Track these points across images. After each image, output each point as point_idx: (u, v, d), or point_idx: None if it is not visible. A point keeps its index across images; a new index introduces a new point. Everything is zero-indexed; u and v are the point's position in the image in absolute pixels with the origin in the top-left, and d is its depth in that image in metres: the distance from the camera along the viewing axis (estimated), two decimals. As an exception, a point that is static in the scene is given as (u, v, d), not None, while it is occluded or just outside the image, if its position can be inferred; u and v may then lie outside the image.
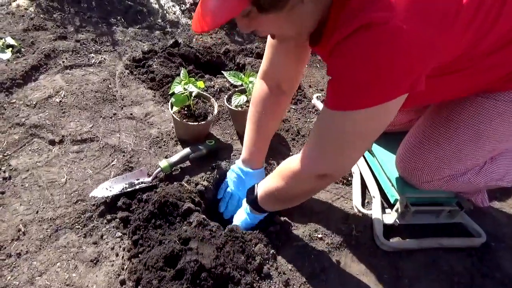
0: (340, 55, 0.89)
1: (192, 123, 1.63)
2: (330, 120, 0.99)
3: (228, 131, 1.84)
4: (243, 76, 1.70)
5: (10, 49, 2.03)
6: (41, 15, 2.38)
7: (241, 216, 1.39)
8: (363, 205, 1.57)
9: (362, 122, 0.95)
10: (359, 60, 0.85)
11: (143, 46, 2.35)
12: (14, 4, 2.43)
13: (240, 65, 2.31)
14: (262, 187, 1.27)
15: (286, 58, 1.31)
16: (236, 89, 1.83)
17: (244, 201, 1.39)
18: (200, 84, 1.63)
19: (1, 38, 2.06)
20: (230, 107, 1.73)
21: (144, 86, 2.03)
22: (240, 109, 1.73)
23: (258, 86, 1.41)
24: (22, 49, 2.06)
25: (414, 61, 0.85)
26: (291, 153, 1.74)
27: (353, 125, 0.95)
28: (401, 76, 0.86)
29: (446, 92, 1.16)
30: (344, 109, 0.93)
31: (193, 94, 1.64)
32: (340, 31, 0.86)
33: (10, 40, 2.05)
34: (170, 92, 1.65)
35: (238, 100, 1.70)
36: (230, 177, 1.50)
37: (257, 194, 1.28)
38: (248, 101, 1.75)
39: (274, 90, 1.37)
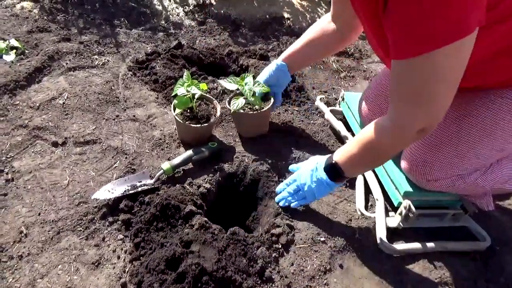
0: None
1: (195, 125, 1.63)
2: (410, 70, 0.99)
3: (230, 133, 1.83)
4: (238, 79, 1.68)
5: (14, 51, 2.04)
6: (45, 17, 2.39)
7: (321, 189, 1.37)
8: (366, 208, 1.56)
9: (445, 61, 0.93)
10: None
11: (146, 47, 2.36)
12: (18, 6, 2.45)
13: (244, 66, 2.30)
14: (345, 155, 1.29)
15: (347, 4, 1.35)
16: (238, 91, 1.82)
17: (319, 174, 1.36)
18: (203, 86, 1.63)
19: (5, 40, 2.07)
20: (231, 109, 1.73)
21: (147, 88, 2.03)
22: (241, 111, 1.72)
23: (324, 18, 1.63)
24: (26, 51, 2.07)
25: None
26: (293, 155, 1.73)
27: (437, 66, 0.94)
28: (472, 4, 0.85)
29: (494, 73, 1.17)
30: (423, 52, 0.92)
31: (196, 96, 1.64)
32: None
33: (14, 42, 2.06)
34: (173, 94, 1.65)
35: (236, 103, 1.67)
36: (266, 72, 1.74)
37: (336, 163, 1.30)
38: (248, 104, 1.74)
39: (336, 29, 1.56)
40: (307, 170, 1.41)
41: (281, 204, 1.46)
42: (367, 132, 1.20)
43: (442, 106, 1.04)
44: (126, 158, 1.61)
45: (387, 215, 1.49)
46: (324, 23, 1.61)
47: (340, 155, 1.31)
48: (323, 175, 1.34)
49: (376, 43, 1.24)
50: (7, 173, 1.45)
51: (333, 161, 1.31)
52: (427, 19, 0.87)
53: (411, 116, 1.06)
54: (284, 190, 1.47)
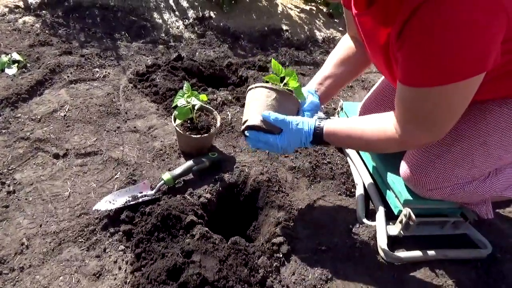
0: (421, 23, 0.89)
1: (195, 136, 1.64)
2: (421, 97, 1.02)
3: (230, 143, 1.85)
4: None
5: (16, 64, 2.06)
6: (47, 31, 2.42)
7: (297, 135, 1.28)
8: (366, 216, 1.56)
9: (458, 92, 0.97)
10: (450, 26, 0.85)
11: (147, 60, 2.38)
12: (20, 21, 2.48)
13: (243, 78, 2.33)
14: (335, 137, 1.28)
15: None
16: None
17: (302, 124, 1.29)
18: (203, 97, 1.64)
19: (7, 54, 2.09)
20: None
21: (148, 100, 2.05)
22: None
23: (344, 38, 1.53)
24: (28, 65, 2.10)
25: (498, 27, 0.87)
26: (293, 164, 1.74)
27: (449, 97, 0.98)
28: (494, 44, 0.88)
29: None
30: (441, 84, 0.94)
31: (196, 107, 1.65)
32: None
33: (16, 56, 2.09)
34: (173, 105, 1.66)
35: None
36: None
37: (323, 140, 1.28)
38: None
39: (356, 44, 1.47)
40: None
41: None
42: (370, 130, 1.22)
43: (447, 127, 1.10)
44: (127, 169, 1.62)
45: (387, 223, 1.50)
46: (346, 42, 1.51)
47: (330, 133, 1.27)
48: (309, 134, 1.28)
49: (384, 67, 1.23)
50: (8, 185, 1.46)
51: (324, 139, 1.29)
52: (450, 54, 0.89)
53: (418, 136, 1.11)
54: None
